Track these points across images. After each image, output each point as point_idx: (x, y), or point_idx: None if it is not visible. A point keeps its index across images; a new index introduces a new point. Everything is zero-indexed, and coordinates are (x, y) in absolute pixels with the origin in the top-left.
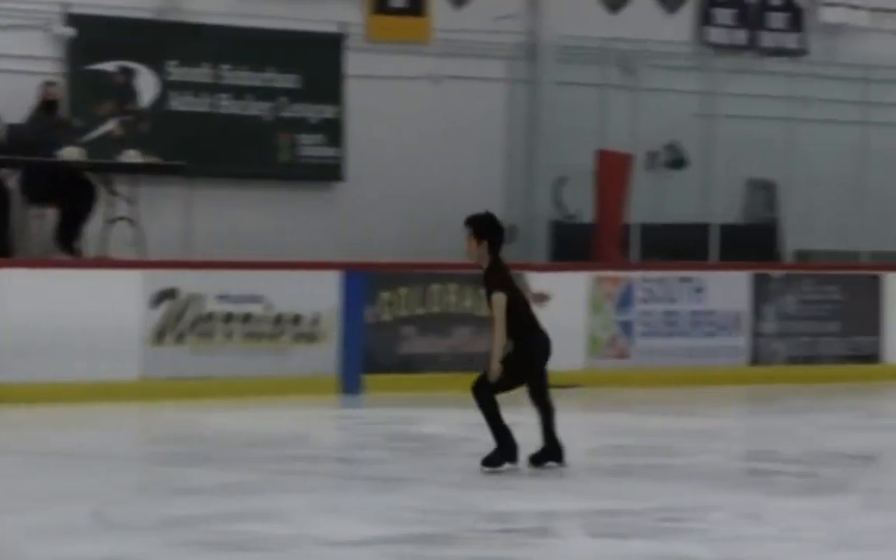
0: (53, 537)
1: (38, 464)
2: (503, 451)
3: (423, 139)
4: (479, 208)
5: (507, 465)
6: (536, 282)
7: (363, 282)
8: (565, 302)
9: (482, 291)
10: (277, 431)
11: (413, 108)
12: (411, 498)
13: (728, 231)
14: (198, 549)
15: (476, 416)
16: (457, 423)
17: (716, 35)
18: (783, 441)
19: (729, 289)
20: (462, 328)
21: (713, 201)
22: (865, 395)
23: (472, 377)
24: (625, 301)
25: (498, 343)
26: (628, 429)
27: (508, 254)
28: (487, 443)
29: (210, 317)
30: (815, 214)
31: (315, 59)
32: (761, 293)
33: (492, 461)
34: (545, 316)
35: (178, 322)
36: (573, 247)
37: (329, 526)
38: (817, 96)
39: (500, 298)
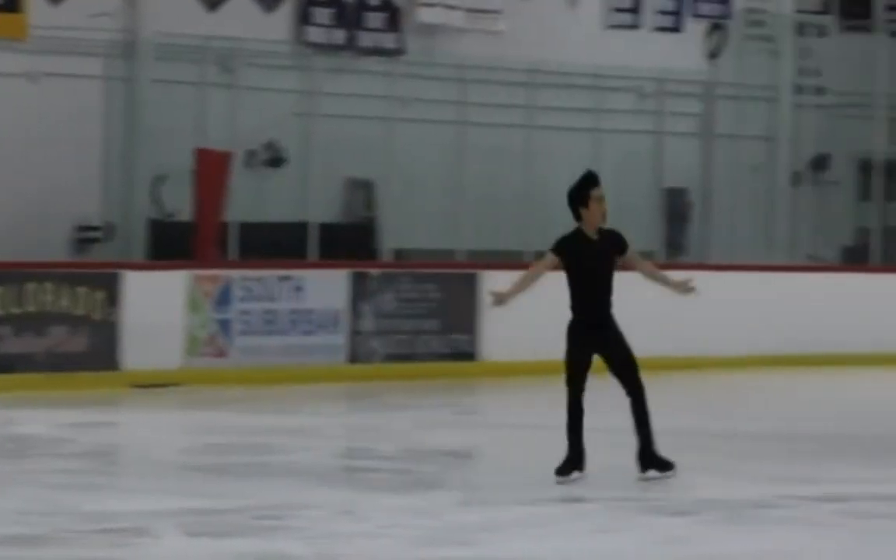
0: None
1: None
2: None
3: (21, 137)
4: (77, 206)
5: (575, 474)
6: (134, 281)
7: None
8: (163, 301)
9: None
10: None
11: (10, 106)
12: (7, 500)
13: (327, 230)
14: None
15: (72, 416)
16: (53, 423)
17: (314, 34)
18: (380, 438)
19: (327, 287)
20: (58, 327)
21: (312, 200)
22: (462, 392)
23: (69, 377)
24: (223, 300)
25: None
26: (226, 427)
27: (106, 252)
28: (85, 443)
29: None
30: (413, 213)
31: None
32: (359, 292)
33: (562, 470)
34: (143, 314)
35: None
36: (172, 245)
37: None
38: (415, 96)
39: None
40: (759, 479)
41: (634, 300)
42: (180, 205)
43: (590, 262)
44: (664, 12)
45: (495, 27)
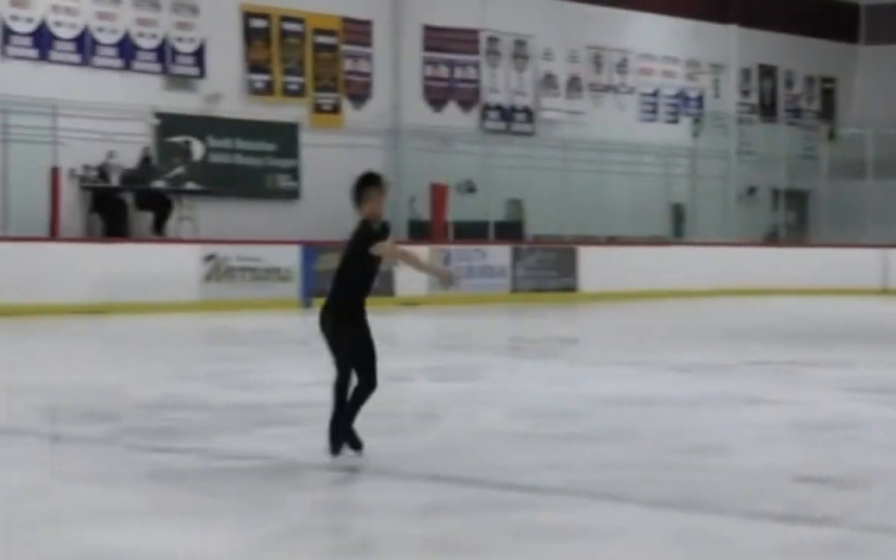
0: None
1: None
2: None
3: (336, 178)
4: None
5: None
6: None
7: None
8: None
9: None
10: None
11: (332, 162)
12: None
13: (499, 225)
14: None
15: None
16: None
17: (490, 124)
18: (525, 331)
19: (499, 254)
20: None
21: (491, 209)
22: (568, 308)
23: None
24: (446, 262)
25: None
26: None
27: None
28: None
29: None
30: (542, 215)
31: None
32: (516, 256)
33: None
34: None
35: (216, 271)
36: (420, 233)
37: None
38: (542, 155)
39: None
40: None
41: None
42: (424, 212)
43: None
44: (670, 111)
45: (581, 120)
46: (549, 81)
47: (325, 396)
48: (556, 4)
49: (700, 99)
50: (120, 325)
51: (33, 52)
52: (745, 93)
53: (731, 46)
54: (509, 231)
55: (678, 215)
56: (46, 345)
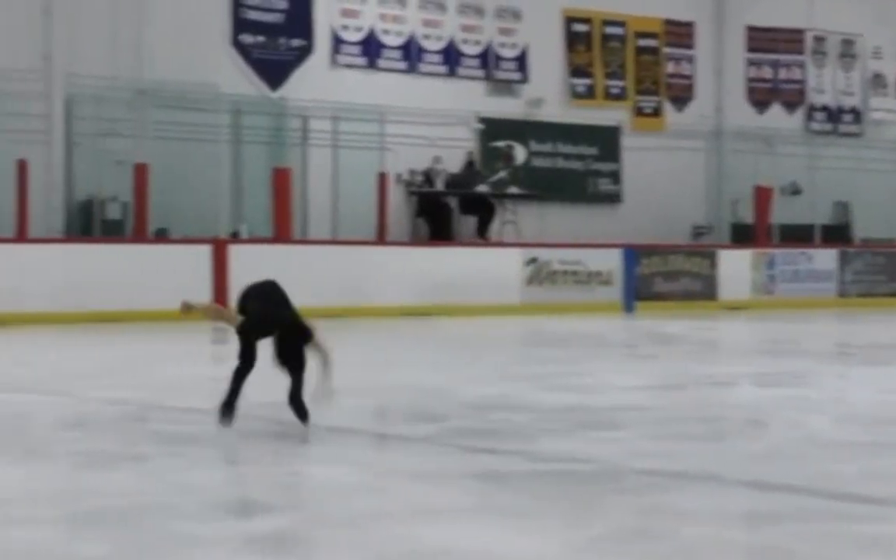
0: None
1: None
2: None
3: (658, 177)
4: (693, 215)
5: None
6: (724, 257)
7: None
8: (739, 263)
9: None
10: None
11: (651, 164)
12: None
13: (825, 229)
14: None
15: (692, 323)
16: (686, 326)
17: (815, 125)
18: (850, 336)
19: (825, 258)
20: (685, 278)
21: (818, 213)
22: None
23: (692, 303)
24: (770, 264)
25: None
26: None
27: (708, 239)
28: (695, 337)
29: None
30: (871, 218)
31: None
32: (843, 259)
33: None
34: (731, 270)
35: (538, 274)
36: (744, 236)
37: None
38: (870, 157)
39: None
40: None
41: None
42: (747, 215)
43: None
44: None
45: None
46: (877, 81)
47: (649, 401)
48: (889, 2)
49: None
50: (444, 327)
51: (362, 61)
52: None
53: None
54: (836, 234)
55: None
56: (374, 346)
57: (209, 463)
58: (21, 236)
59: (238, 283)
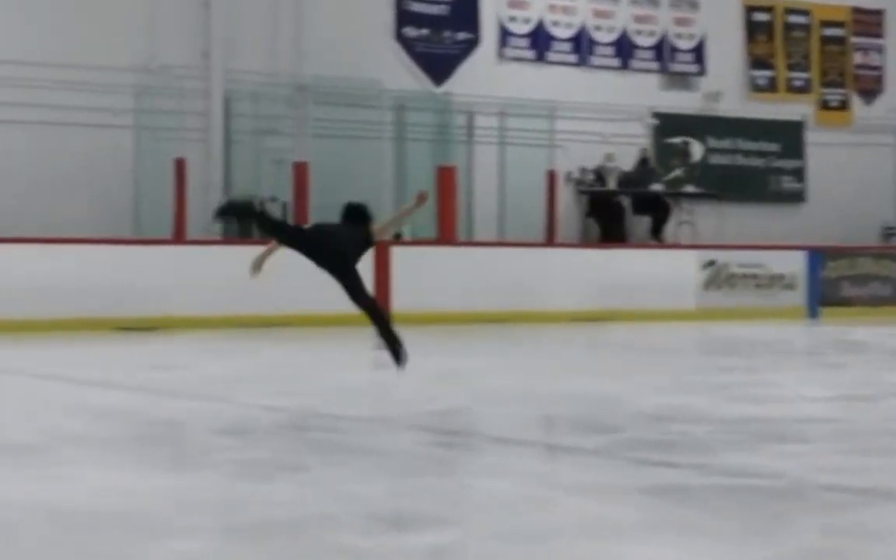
0: None
1: None
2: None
3: (846, 178)
4: (883, 215)
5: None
6: None
7: None
8: None
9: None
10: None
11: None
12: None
13: None
14: None
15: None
16: (870, 334)
17: None
18: None
19: None
20: (874, 282)
21: None
22: None
23: (882, 309)
24: None
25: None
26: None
27: None
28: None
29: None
30: None
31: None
32: None
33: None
34: None
35: (716, 277)
36: None
37: None
38: None
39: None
40: None
41: None
42: None
43: None
44: None
45: None
46: None
47: (836, 412)
48: None
49: None
50: (616, 332)
51: (530, 54)
52: None
53: None
54: None
55: None
56: (542, 352)
57: (370, 473)
58: (179, 237)
59: (400, 285)
